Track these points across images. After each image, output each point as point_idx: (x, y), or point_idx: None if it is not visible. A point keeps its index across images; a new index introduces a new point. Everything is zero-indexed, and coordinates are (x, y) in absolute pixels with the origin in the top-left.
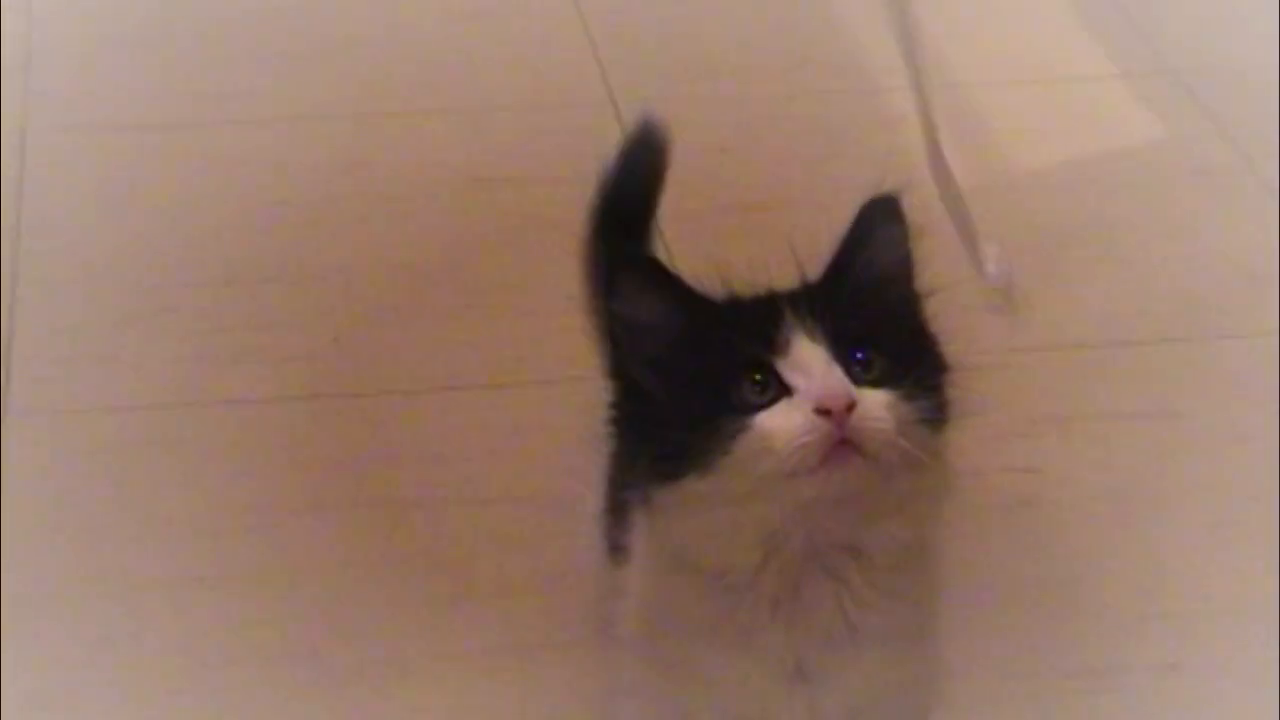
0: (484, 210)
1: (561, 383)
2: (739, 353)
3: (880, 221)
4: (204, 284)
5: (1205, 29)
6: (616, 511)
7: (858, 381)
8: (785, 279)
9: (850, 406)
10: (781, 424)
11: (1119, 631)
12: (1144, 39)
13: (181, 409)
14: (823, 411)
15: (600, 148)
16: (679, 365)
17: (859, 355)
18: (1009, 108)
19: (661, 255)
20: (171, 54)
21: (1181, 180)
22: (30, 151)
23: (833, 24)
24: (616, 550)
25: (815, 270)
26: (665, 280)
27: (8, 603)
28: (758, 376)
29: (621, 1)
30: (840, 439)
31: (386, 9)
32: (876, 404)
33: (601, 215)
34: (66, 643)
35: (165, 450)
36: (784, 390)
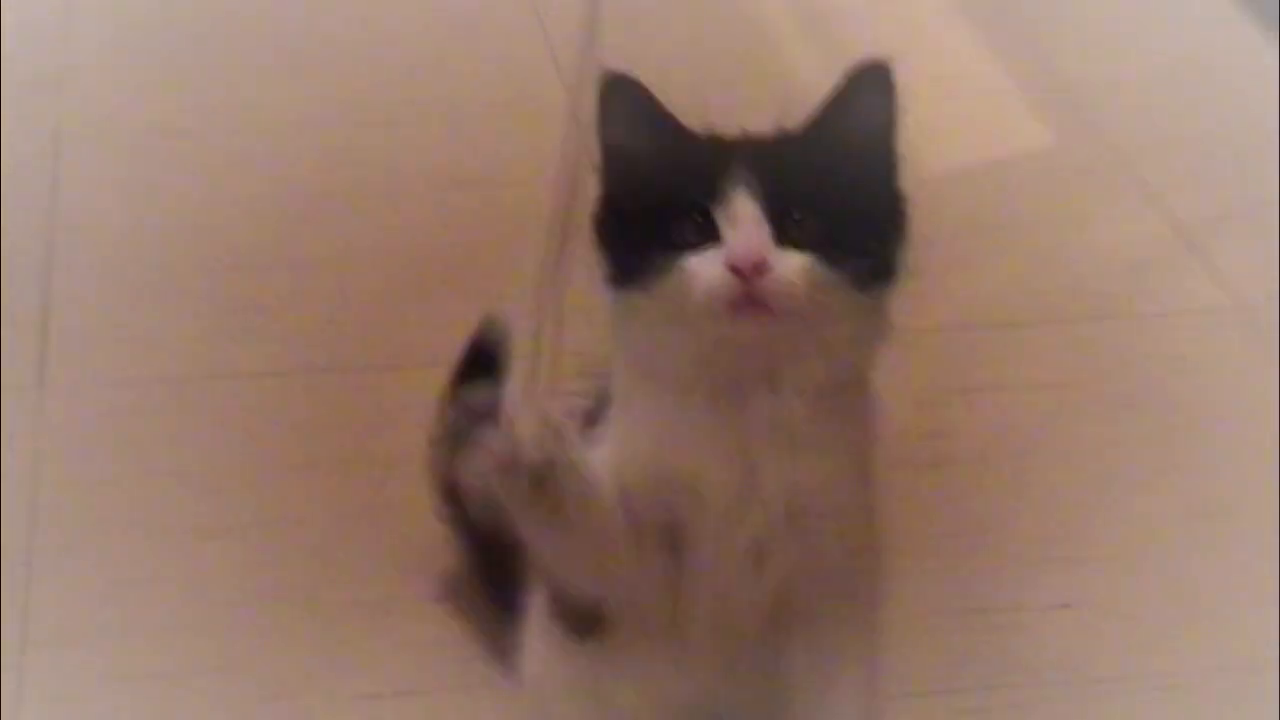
0: (461, 205)
1: None
2: (686, 193)
3: (866, 87)
4: (214, 270)
5: (1089, 50)
6: None
7: (788, 240)
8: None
9: (761, 268)
10: (700, 271)
11: (1018, 574)
12: (1038, 59)
13: (194, 381)
14: (734, 268)
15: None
16: (643, 190)
17: (794, 215)
18: (922, 118)
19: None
20: (185, 68)
21: (1068, 180)
22: (65, 152)
23: (771, 41)
24: None
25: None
26: (648, 106)
27: (43, 549)
28: (698, 218)
29: None
30: (749, 295)
31: (377, 30)
32: (791, 267)
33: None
34: (93, 582)
35: (180, 416)
36: (717, 237)
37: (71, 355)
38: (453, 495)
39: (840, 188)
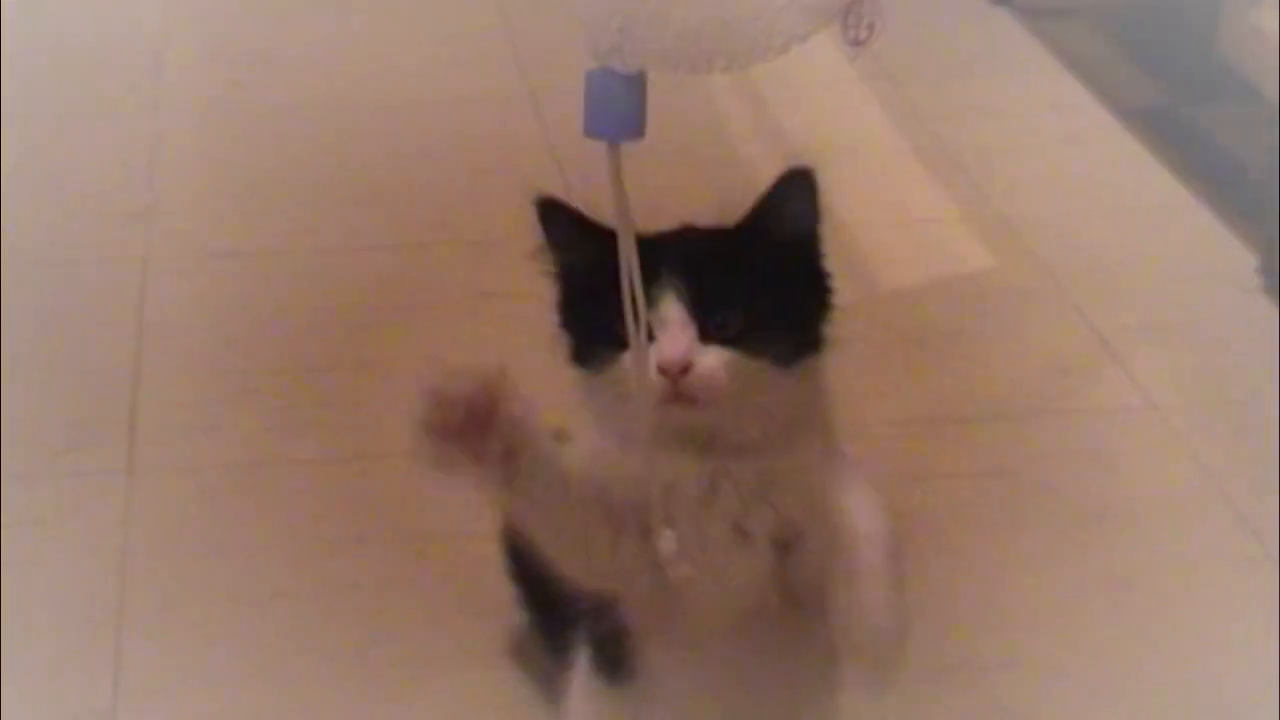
0: (491, 314)
1: None
2: (621, 297)
3: (793, 190)
4: (278, 371)
5: (1023, 188)
6: None
7: (712, 337)
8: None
9: (685, 369)
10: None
11: (968, 637)
12: (979, 195)
13: (261, 466)
14: (661, 369)
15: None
16: (586, 290)
17: (719, 314)
18: (879, 241)
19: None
20: (253, 199)
21: (1005, 297)
22: (151, 271)
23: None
24: None
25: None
26: (578, 222)
27: (131, 613)
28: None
29: None
30: (675, 391)
31: (408, 159)
32: (711, 365)
33: None
34: (175, 641)
35: (249, 497)
36: (651, 334)
37: (155, 445)
38: (518, 553)
39: (767, 280)
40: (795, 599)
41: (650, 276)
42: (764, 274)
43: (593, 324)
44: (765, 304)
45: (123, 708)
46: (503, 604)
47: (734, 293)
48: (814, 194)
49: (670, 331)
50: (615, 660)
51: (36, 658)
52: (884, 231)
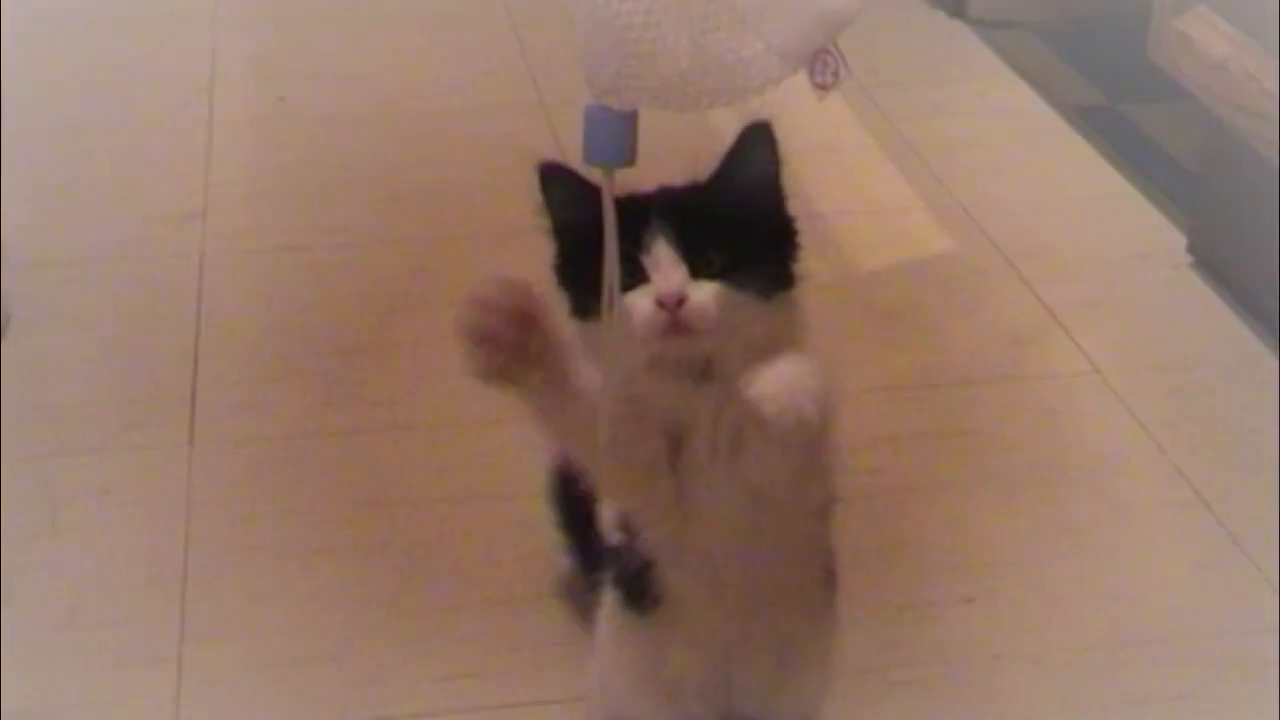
0: None
1: None
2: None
3: (754, 142)
4: (322, 352)
5: (978, 175)
6: None
7: (701, 274)
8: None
9: (680, 301)
10: (635, 306)
11: (932, 577)
12: (939, 183)
13: (307, 437)
14: (660, 303)
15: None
16: (585, 248)
17: (705, 253)
18: (851, 228)
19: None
20: (298, 198)
21: (964, 275)
22: (208, 266)
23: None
24: None
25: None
26: (576, 183)
27: (195, 568)
28: (630, 265)
29: None
30: (674, 322)
31: (437, 157)
32: (704, 296)
33: None
34: (233, 594)
35: (297, 465)
36: (645, 278)
37: (212, 421)
38: (564, 503)
39: (741, 224)
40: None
41: (641, 227)
42: (737, 217)
43: (588, 277)
44: (742, 244)
45: (187, 652)
46: (519, 556)
47: (715, 234)
48: (773, 143)
49: (664, 270)
50: (639, 591)
51: (111, 611)
52: (856, 219)
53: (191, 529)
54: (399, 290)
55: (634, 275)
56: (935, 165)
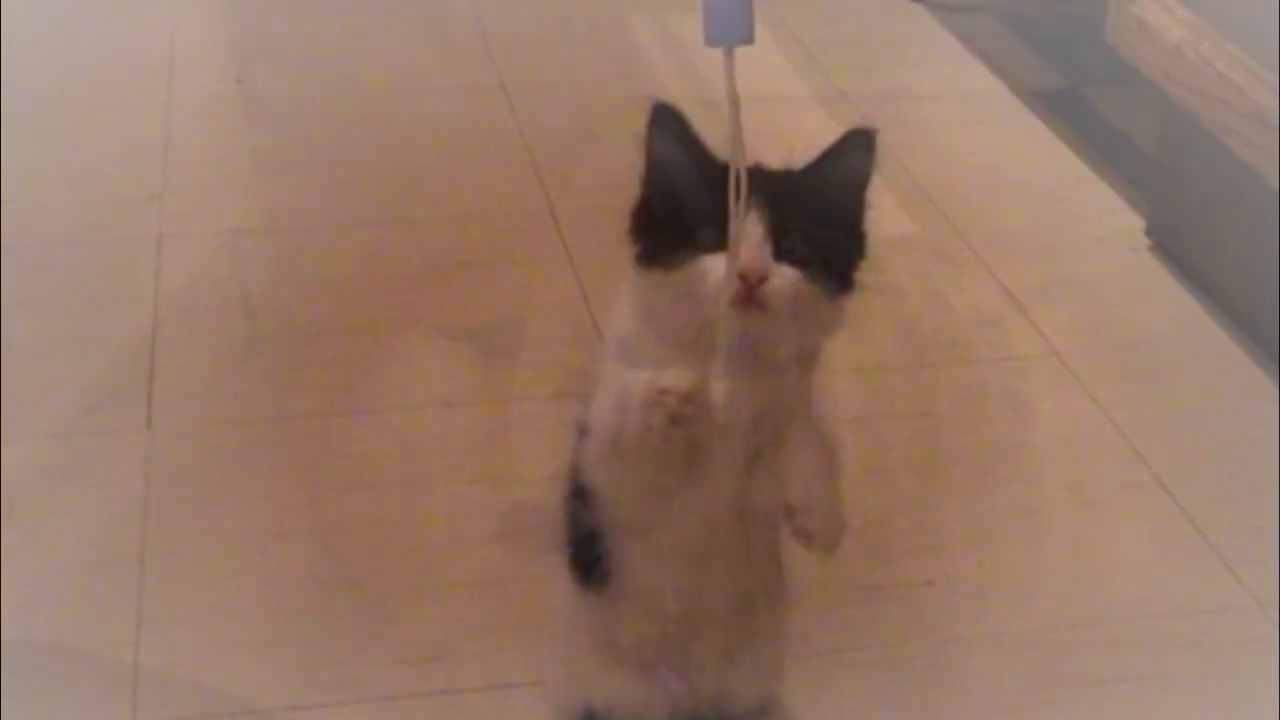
0: (468, 284)
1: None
2: (710, 207)
3: (855, 145)
4: (280, 335)
5: (940, 158)
6: None
7: (782, 257)
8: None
9: (763, 278)
10: (714, 270)
11: (893, 559)
12: (900, 165)
13: (266, 421)
14: (743, 275)
15: None
16: (677, 197)
17: (790, 239)
18: None
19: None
20: (256, 182)
21: (927, 259)
22: (166, 248)
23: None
24: None
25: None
26: (687, 132)
27: (152, 553)
28: (713, 228)
29: None
30: (748, 295)
31: (397, 143)
32: (784, 279)
33: None
34: (190, 578)
35: (255, 450)
36: (724, 244)
37: (171, 404)
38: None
39: (826, 219)
40: (749, 510)
41: (738, 196)
42: (823, 213)
43: (674, 227)
44: (824, 239)
45: (145, 636)
46: (479, 540)
47: (801, 223)
48: (872, 151)
49: (752, 244)
50: (591, 565)
51: (67, 594)
52: None
53: (150, 513)
54: (358, 273)
55: (717, 239)
56: (897, 149)
